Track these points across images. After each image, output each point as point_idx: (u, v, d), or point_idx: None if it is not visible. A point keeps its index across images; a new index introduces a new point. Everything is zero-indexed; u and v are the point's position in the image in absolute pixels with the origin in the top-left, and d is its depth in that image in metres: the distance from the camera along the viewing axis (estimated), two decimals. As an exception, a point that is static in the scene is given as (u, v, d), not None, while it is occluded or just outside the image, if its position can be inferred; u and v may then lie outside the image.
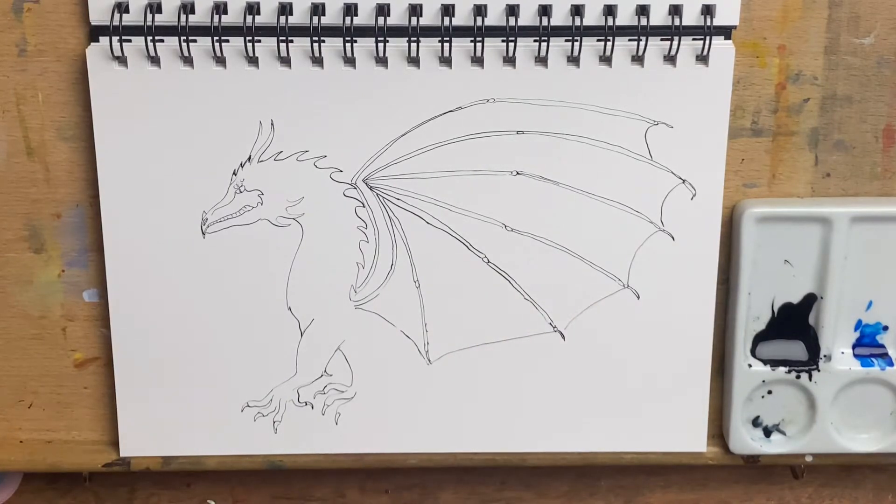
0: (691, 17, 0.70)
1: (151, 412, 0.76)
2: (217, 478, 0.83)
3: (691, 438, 0.77)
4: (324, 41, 0.70)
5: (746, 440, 0.77)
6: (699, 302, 0.75)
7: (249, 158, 0.72)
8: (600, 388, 0.76)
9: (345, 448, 0.77)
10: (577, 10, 0.69)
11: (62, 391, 0.77)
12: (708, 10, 0.69)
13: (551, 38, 0.70)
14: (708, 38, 0.70)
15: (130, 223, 0.73)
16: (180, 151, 0.72)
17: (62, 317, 0.76)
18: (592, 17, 0.70)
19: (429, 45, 0.70)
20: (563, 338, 0.75)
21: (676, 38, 0.70)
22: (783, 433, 0.78)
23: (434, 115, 0.71)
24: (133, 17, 0.69)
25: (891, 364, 0.76)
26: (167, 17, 0.69)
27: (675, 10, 0.69)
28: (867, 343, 0.76)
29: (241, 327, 0.75)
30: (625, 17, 0.70)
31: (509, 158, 0.72)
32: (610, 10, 0.69)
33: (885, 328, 0.76)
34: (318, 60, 0.70)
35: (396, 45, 0.70)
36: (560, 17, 0.70)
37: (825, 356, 0.75)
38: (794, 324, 0.76)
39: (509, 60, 0.70)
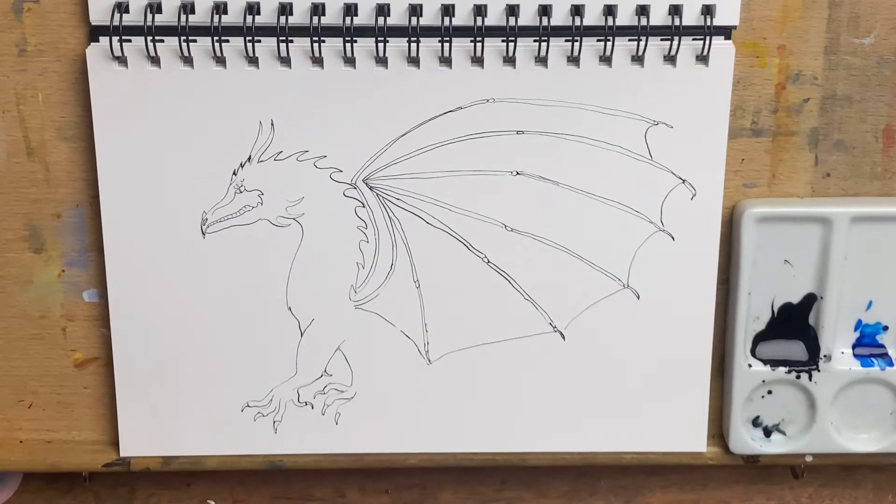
0: (691, 17, 0.70)
1: (151, 412, 0.76)
2: (217, 478, 0.83)
3: (691, 438, 0.77)
4: (324, 41, 0.70)
5: (746, 440, 0.77)
6: (699, 302, 0.75)
7: (249, 158, 0.72)
8: (600, 388, 0.76)
9: (345, 448, 0.77)
10: (577, 10, 0.69)
11: (62, 391, 0.78)
12: (708, 10, 0.69)
13: (551, 38, 0.70)
14: (708, 38, 0.70)
15: (130, 223, 0.73)
16: (180, 151, 0.72)
17: (62, 317, 0.76)
18: (592, 17, 0.70)
19: (429, 45, 0.70)
20: (563, 338, 0.75)
21: (676, 38, 0.70)
22: (783, 433, 0.78)
23: (434, 115, 0.71)
24: (133, 17, 0.69)
25: (891, 364, 0.76)
26: (167, 17, 0.69)
27: (675, 10, 0.69)
28: (867, 343, 0.76)
29: (241, 327, 0.75)
30: (625, 17, 0.70)
31: (509, 158, 0.72)
32: (610, 10, 0.69)
33: (885, 328, 0.76)
34: (318, 60, 0.70)
35: (396, 45, 0.70)
36: (560, 17, 0.70)
37: (825, 356, 0.75)
38: (794, 324, 0.76)
39: (509, 60, 0.70)
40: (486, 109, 0.71)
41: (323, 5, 0.69)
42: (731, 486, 0.84)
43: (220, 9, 0.69)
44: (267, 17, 0.69)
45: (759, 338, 0.76)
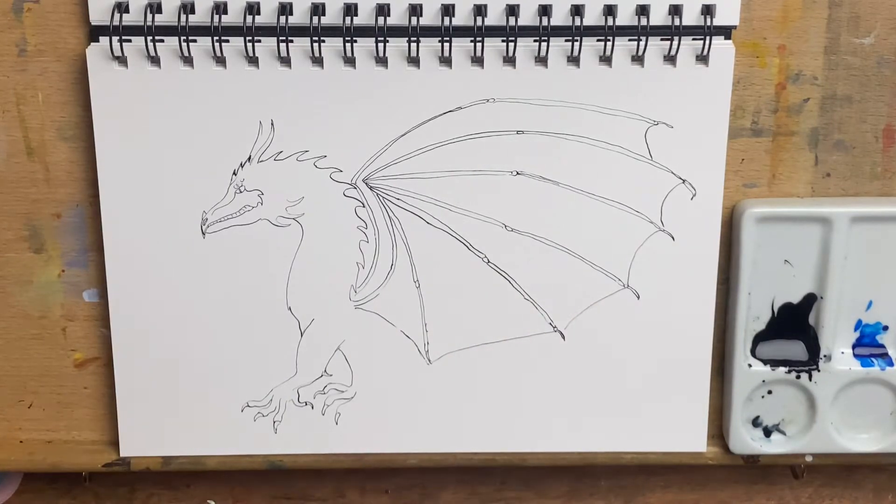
0: (691, 17, 0.70)
1: (151, 412, 0.76)
2: (217, 478, 0.83)
3: (691, 438, 0.77)
4: (324, 41, 0.70)
5: (746, 440, 0.77)
6: (699, 302, 0.75)
7: (249, 158, 0.72)
8: (600, 388, 0.76)
9: (345, 448, 0.77)
10: (577, 10, 0.69)
11: (62, 391, 0.78)
12: (708, 10, 0.69)
13: (551, 38, 0.70)
14: (708, 38, 0.70)
15: (130, 223, 0.73)
16: (180, 151, 0.72)
17: (62, 317, 0.76)
18: (592, 17, 0.70)
19: (429, 45, 0.70)
20: (563, 338, 0.75)
21: (676, 38, 0.70)
22: (783, 433, 0.78)
23: (434, 114, 0.71)
24: (133, 17, 0.69)
25: (891, 364, 0.76)
26: (167, 17, 0.69)
27: (675, 10, 0.70)
28: (867, 343, 0.76)
29: (241, 327, 0.75)
30: (625, 17, 0.70)
31: (509, 158, 0.72)
32: (610, 10, 0.69)
33: (885, 328, 0.76)
34: (318, 60, 0.70)
35: (396, 45, 0.70)
36: (560, 17, 0.70)
37: (825, 356, 0.75)
38: (794, 324, 0.76)
39: (509, 60, 0.70)
40: (486, 109, 0.71)
41: (323, 5, 0.69)
42: (731, 486, 0.84)
43: (220, 9, 0.69)
44: (267, 17, 0.69)
45: (759, 338, 0.76)
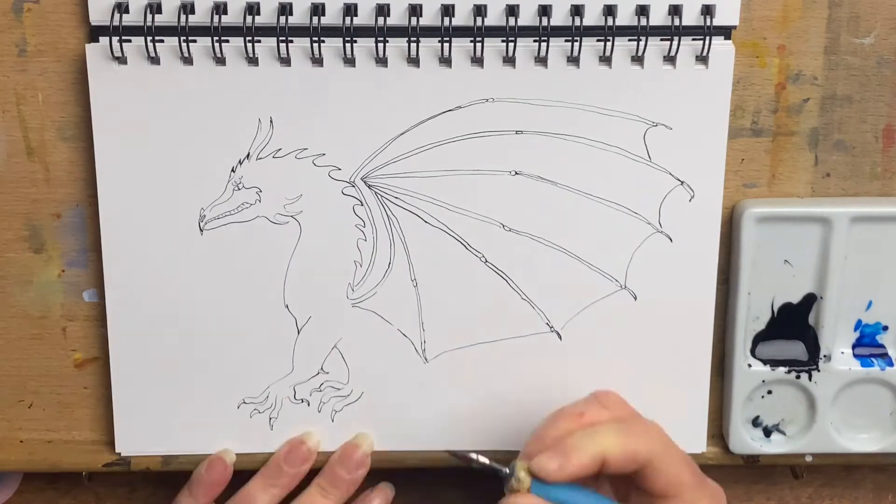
0: (691, 17, 0.70)
1: (148, 410, 0.76)
2: (217, 478, 0.83)
3: (691, 438, 0.77)
4: (324, 41, 0.70)
5: (746, 440, 0.77)
6: (698, 302, 0.74)
7: (248, 156, 0.72)
8: (599, 388, 0.76)
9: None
10: (577, 10, 0.69)
11: (62, 391, 0.78)
12: (708, 11, 0.69)
13: (551, 38, 0.70)
14: (708, 38, 0.70)
15: (129, 222, 0.73)
16: (179, 151, 0.72)
17: (62, 317, 0.76)
18: (592, 17, 0.70)
19: (429, 45, 0.70)
20: (560, 338, 0.75)
21: (676, 39, 0.70)
22: (783, 433, 0.78)
23: (433, 114, 0.71)
24: (133, 17, 0.69)
25: (891, 364, 0.76)
26: (167, 17, 0.69)
27: (675, 11, 0.70)
28: (867, 343, 0.76)
29: (239, 324, 0.75)
30: (625, 17, 0.70)
31: (508, 158, 0.72)
32: (610, 10, 0.69)
33: (885, 328, 0.76)
34: (318, 60, 0.70)
35: (396, 45, 0.70)
36: (560, 17, 0.70)
37: (825, 356, 0.75)
38: (794, 324, 0.75)
39: (509, 60, 0.70)
40: (486, 109, 0.71)
41: (323, 5, 0.69)
42: (731, 486, 0.83)
43: (220, 9, 0.69)
44: (267, 17, 0.69)
45: (759, 338, 0.76)
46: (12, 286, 0.75)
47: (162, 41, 0.70)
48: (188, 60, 0.70)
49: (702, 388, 0.76)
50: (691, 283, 0.74)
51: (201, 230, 0.73)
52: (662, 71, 0.71)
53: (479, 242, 0.73)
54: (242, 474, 0.81)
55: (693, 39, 0.70)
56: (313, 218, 0.73)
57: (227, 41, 0.70)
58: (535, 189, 0.72)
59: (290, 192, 0.72)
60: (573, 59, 0.71)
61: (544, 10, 0.70)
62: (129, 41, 0.70)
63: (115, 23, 0.69)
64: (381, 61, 0.70)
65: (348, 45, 0.69)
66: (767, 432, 0.78)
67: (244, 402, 0.76)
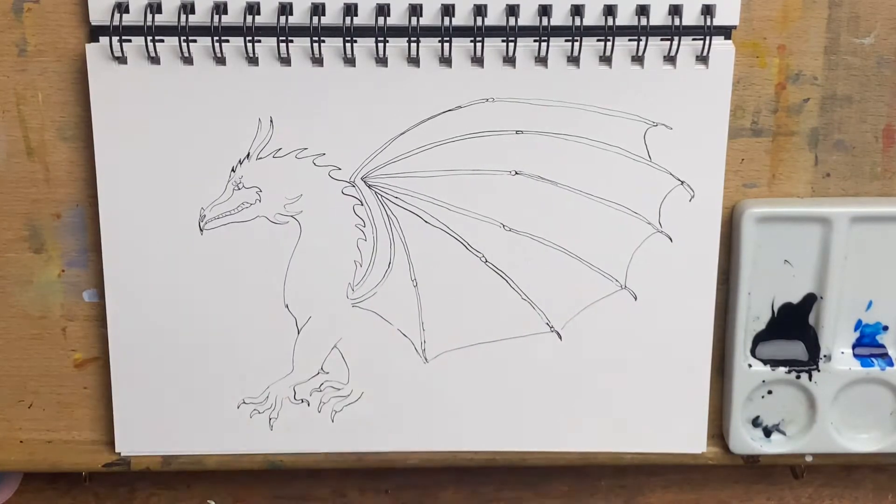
0: (691, 17, 0.70)
1: (147, 409, 0.76)
2: (217, 478, 0.83)
3: (691, 438, 0.77)
4: (324, 41, 0.70)
5: (746, 440, 0.77)
6: (699, 302, 0.74)
7: (248, 155, 0.72)
8: (599, 388, 0.76)
9: (341, 446, 0.77)
10: (577, 10, 0.69)
11: (62, 391, 0.78)
12: (708, 10, 0.69)
13: (551, 38, 0.70)
14: (708, 38, 0.70)
15: (129, 222, 0.73)
16: (179, 150, 0.72)
17: (62, 317, 0.76)
18: (592, 17, 0.70)
19: (429, 45, 0.70)
20: (560, 338, 0.75)
21: (676, 39, 0.70)
22: (783, 433, 0.78)
23: (433, 114, 0.71)
24: (133, 17, 0.69)
25: (891, 364, 0.76)
26: (167, 17, 0.69)
27: (675, 10, 0.70)
28: (867, 343, 0.76)
29: (239, 324, 0.75)
30: (625, 17, 0.70)
31: (508, 158, 0.72)
32: (610, 10, 0.69)
33: (885, 328, 0.76)
34: (318, 60, 0.70)
35: (396, 45, 0.70)
36: (560, 17, 0.70)
37: (825, 356, 0.75)
38: (794, 324, 0.75)
39: (509, 60, 0.70)
40: (486, 109, 0.71)
41: (323, 5, 0.69)
42: (731, 486, 0.84)
43: (220, 9, 0.69)
44: (267, 17, 0.69)
45: (759, 338, 0.76)
46: (12, 286, 0.75)
47: (162, 41, 0.70)
48: (188, 60, 0.70)
49: (702, 388, 0.76)
50: (691, 283, 0.74)
51: (201, 230, 0.73)
52: (662, 71, 0.71)
53: (480, 242, 0.73)
54: (242, 474, 0.81)
55: (693, 39, 0.70)
56: (313, 218, 0.73)
57: (227, 41, 0.70)
58: (535, 189, 0.72)
59: (290, 191, 0.72)
60: (573, 59, 0.71)
61: (544, 10, 0.70)
62: (129, 41, 0.70)
63: (115, 23, 0.69)
64: (381, 61, 0.70)
65: (348, 45, 0.69)
66: (767, 432, 0.78)
67: (244, 402, 0.76)
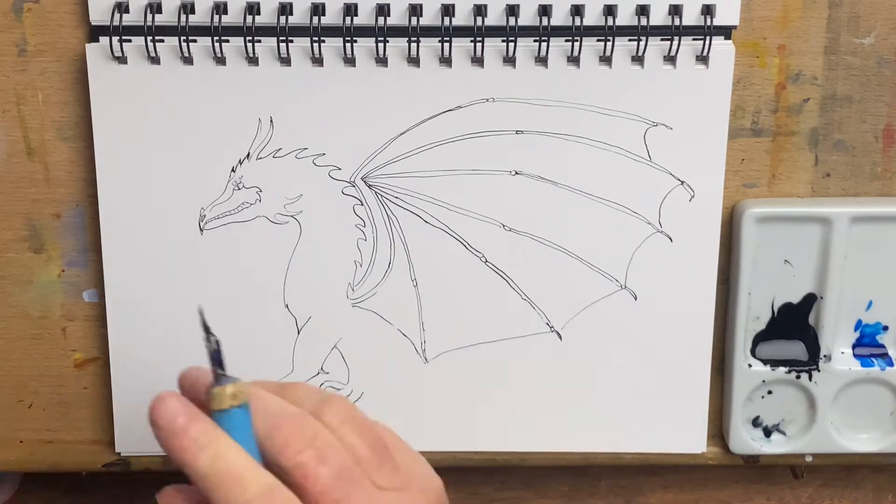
0: (691, 17, 0.70)
1: (146, 408, 0.76)
2: (217, 478, 0.83)
3: (691, 438, 0.77)
4: (324, 41, 0.70)
5: (746, 440, 0.77)
6: (699, 302, 0.74)
7: (248, 155, 0.72)
8: (599, 389, 0.76)
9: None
10: (577, 10, 0.69)
11: (62, 391, 0.78)
12: (708, 10, 0.69)
13: (551, 38, 0.70)
14: (708, 38, 0.69)
15: (129, 222, 0.73)
16: (179, 150, 0.72)
17: (62, 317, 0.76)
18: (592, 17, 0.70)
19: (429, 45, 0.70)
20: (560, 338, 0.75)
21: (676, 39, 0.70)
22: (783, 433, 0.78)
23: (433, 114, 0.71)
24: (133, 17, 0.69)
25: (891, 364, 0.76)
26: (167, 17, 0.69)
27: (675, 10, 0.69)
28: (867, 343, 0.76)
29: (238, 324, 0.75)
30: (625, 17, 0.70)
31: (508, 158, 0.72)
32: (610, 10, 0.69)
33: (885, 328, 0.76)
34: (318, 60, 0.70)
35: (396, 45, 0.70)
36: (560, 17, 0.70)
37: (825, 356, 0.75)
38: (794, 324, 0.75)
39: (509, 60, 0.70)
40: (486, 109, 0.71)
41: (323, 5, 0.69)
42: (731, 486, 0.84)
43: (220, 9, 0.69)
44: (267, 17, 0.69)
45: (759, 338, 0.76)
46: (12, 286, 0.75)
47: (162, 41, 0.70)
48: (188, 60, 0.70)
49: (702, 388, 0.76)
50: (691, 283, 0.74)
51: (201, 230, 0.73)
52: (662, 71, 0.71)
53: (480, 242, 0.73)
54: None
55: (693, 39, 0.70)
56: (313, 218, 0.73)
57: (227, 41, 0.70)
58: (535, 189, 0.72)
59: (290, 191, 0.72)
60: (573, 59, 0.71)
61: (544, 10, 0.70)
62: (129, 41, 0.70)
63: (115, 23, 0.69)
64: (381, 61, 0.70)
65: (348, 45, 0.69)
66: (767, 432, 0.78)
67: (244, 402, 0.76)
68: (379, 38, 0.69)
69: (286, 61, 0.70)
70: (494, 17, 0.70)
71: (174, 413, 0.55)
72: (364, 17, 0.70)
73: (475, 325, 0.75)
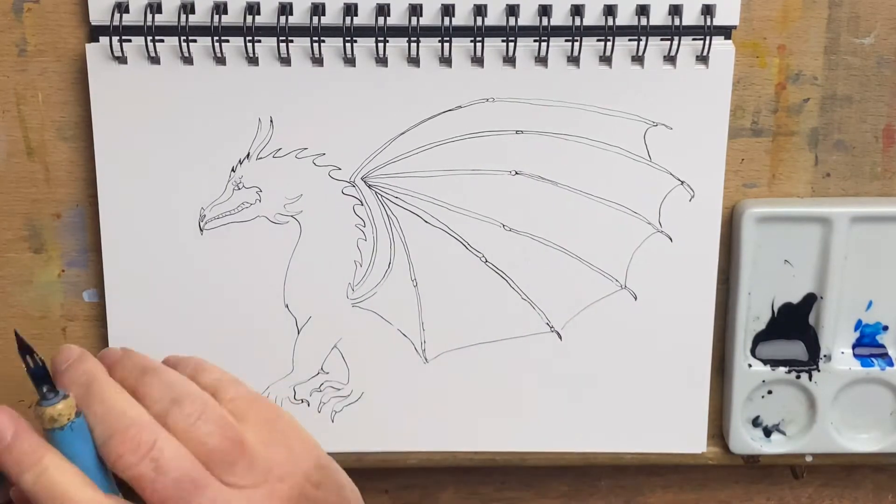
0: (691, 17, 0.70)
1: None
2: (217, 478, 0.83)
3: (691, 438, 0.77)
4: (324, 41, 0.70)
5: (746, 440, 0.77)
6: (699, 302, 0.74)
7: (248, 155, 0.72)
8: (599, 389, 0.76)
9: (341, 446, 0.77)
10: (577, 10, 0.69)
11: (62, 391, 0.78)
12: (708, 10, 0.69)
13: (551, 38, 0.70)
14: (708, 38, 0.70)
15: (129, 222, 0.73)
16: (179, 150, 0.72)
17: (62, 317, 0.76)
18: (592, 17, 0.70)
19: (429, 45, 0.70)
20: (560, 338, 0.75)
21: (676, 38, 0.70)
22: (783, 433, 0.78)
23: (433, 114, 0.71)
24: (133, 17, 0.69)
25: (891, 364, 0.76)
26: (167, 17, 0.69)
27: (675, 10, 0.70)
28: (867, 343, 0.76)
29: (238, 324, 0.75)
30: (625, 17, 0.70)
31: (508, 158, 0.72)
32: (610, 10, 0.69)
33: (885, 328, 0.76)
34: (318, 60, 0.70)
35: (396, 45, 0.70)
36: (560, 17, 0.70)
37: (825, 356, 0.75)
38: (794, 324, 0.75)
39: (509, 60, 0.70)
40: (486, 109, 0.71)
41: (323, 5, 0.69)
42: (731, 486, 0.84)
43: (220, 9, 0.69)
44: (267, 17, 0.69)
45: (759, 338, 0.76)
46: (12, 286, 0.75)
47: (162, 41, 0.70)
48: (188, 60, 0.70)
49: (702, 388, 0.76)
50: (691, 283, 0.74)
51: (201, 230, 0.73)
52: (662, 71, 0.71)
53: (480, 242, 0.73)
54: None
55: (693, 39, 0.70)
56: (313, 218, 0.73)
57: (227, 41, 0.70)
58: (535, 189, 0.72)
59: (290, 191, 0.72)
60: (573, 59, 0.71)
61: (544, 10, 0.70)
62: (129, 41, 0.70)
63: (115, 23, 0.69)
64: (381, 61, 0.70)
65: (348, 45, 0.69)
66: (767, 432, 0.78)
67: (244, 402, 0.76)
68: (379, 38, 0.69)
69: (286, 61, 0.70)
70: (494, 17, 0.70)
71: (3, 429, 0.55)
72: (364, 17, 0.70)
73: (475, 325, 0.75)
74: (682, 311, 0.74)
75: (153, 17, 0.69)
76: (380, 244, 0.73)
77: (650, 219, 0.73)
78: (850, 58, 0.72)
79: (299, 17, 0.69)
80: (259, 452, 0.57)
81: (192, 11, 0.69)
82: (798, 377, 0.76)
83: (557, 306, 0.74)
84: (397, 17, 0.70)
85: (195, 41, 0.70)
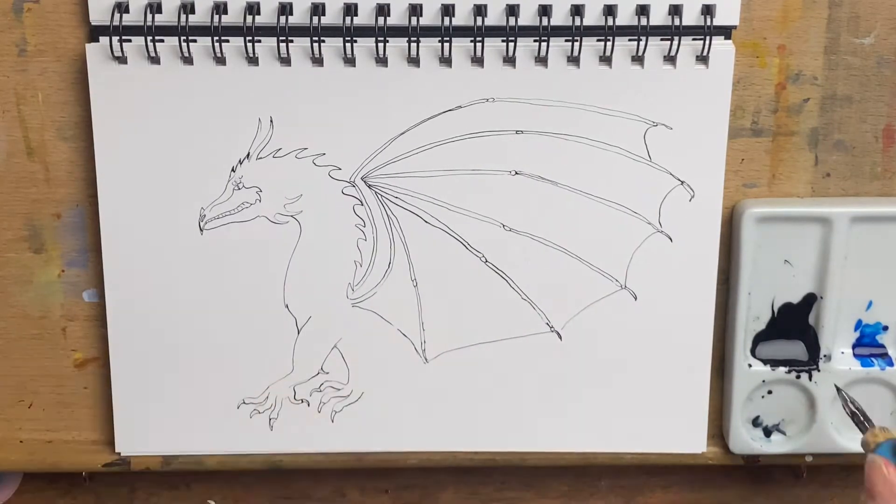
0: (691, 17, 0.70)
1: (148, 410, 0.76)
2: (217, 478, 0.83)
3: (691, 439, 0.77)
4: (324, 41, 0.70)
5: (746, 440, 0.77)
6: (699, 302, 0.74)
7: (248, 155, 0.72)
8: (599, 388, 0.76)
9: (341, 446, 0.77)
10: (577, 10, 0.69)
11: (62, 391, 0.78)
12: (708, 10, 0.69)
13: (551, 38, 0.70)
14: (708, 38, 0.70)
15: (129, 222, 0.73)
16: (180, 150, 0.72)
17: (62, 317, 0.76)
18: (592, 17, 0.70)
19: (429, 45, 0.70)
20: (560, 338, 0.75)
21: (676, 38, 0.70)
22: (783, 433, 0.78)
23: (433, 114, 0.71)
24: (133, 17, 0.69)
25: (891, 364, 0.76)
26: (167, 17, 0.69)
27: (675, 10, 0.70)
28: (867, 343, 0.76)
29: (239, 324, 0.75)
30: (625, 17, 0.70)
31: (508, 158, 0.72)
32: (610, 10, 0.69)
33: (885, 328, 0.76)
34: (318, 60, 0.70)
35: (396, 45, 0.70)
36: (560, 17, 0.70)
37: (825, 356, 0.75)
38: (794, 324, 0.75)
39: (509, 60, 0.70)
40: (486, 109, 0.71)
41: (323, 5, 0.69)
42: (731, 486, 0.84)
43: (220, 9, 0.69)
44: (267, 17, 0.69)
45: (759, 338, 0.76)
46: (12, 286, 0.75)
47: (162, 41, 0.70)
48: (188, 60, 0.70)
49: (702, 388, 0.76)
50: (691, 283, 0.74)
51: (201, 230, 0.73)
52: (662, 71, 0.71)
53: (480, 242, 0.73)
54: (242, 474, 0.81)
55: (693, 39, 0.70)
56: (313, 218, 0.73)
57: (227, 41, 0.70)
58: (535, 189, 0.72)
59: (290, 191, 0.72)
60: (573, 59, 0.71)
61: (544, 10, 0.70)
62: (129, 41, 0.70)
63: (115, 23, 0.69)
64: (381, 61, 0.70)
65: (348, 45, 0.69)
66: (767, 432, 0.78)
67: (244, 403, 0.76)
68: (379, 38, 0.69)
69: (286, 61, 0.70)
70: (494, 17, 0.70)
71: None
72: (364, 17, 0.70)
73: (475, 325, 0.75)
74: (682, 311, 0.75)
75: (153, 17, 0.69)
76: (380, 244, 0.73)
77: (650, 219, 0.73)
78: (850, 58, 0.72)
79: (299, 17, 0.69)
80: None
81: (192, 11, 0.69)
82: (798, 377, 0.76)
83: (557, 306, 0.74)
84: (397, 17, 0.70)
85: (195, 41, 0.70)
